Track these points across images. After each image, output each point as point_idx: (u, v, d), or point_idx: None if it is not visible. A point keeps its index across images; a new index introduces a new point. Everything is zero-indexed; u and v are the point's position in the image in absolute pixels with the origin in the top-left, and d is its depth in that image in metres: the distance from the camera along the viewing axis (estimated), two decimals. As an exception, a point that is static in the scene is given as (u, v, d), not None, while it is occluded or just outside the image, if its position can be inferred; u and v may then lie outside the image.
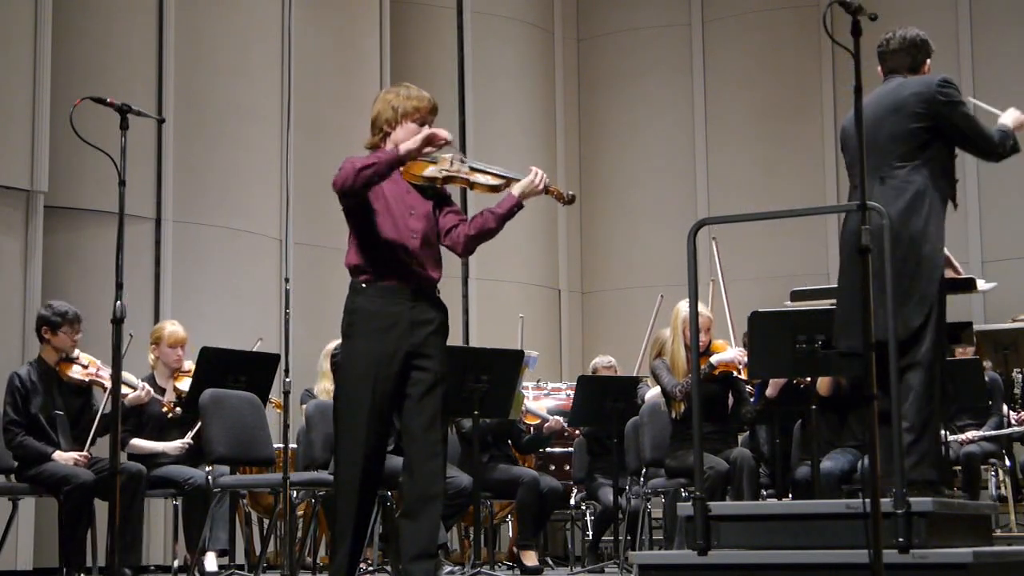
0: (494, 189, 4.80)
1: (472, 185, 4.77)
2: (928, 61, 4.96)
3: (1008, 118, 4.94)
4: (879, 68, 5.02)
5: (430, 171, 4.72)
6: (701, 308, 6.73)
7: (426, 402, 4.60)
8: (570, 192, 4.88)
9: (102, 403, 6.47)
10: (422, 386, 4.61)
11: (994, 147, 4.86)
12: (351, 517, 4.61)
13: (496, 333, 10.34)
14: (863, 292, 3.72)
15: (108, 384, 6.29)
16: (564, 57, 12.49)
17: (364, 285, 4.67)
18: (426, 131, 4.63)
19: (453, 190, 4.97)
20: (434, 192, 4.78)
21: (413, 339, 4.62)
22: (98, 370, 6.47)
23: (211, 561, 6.89)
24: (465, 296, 11.27)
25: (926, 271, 4.69)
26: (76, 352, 6.49)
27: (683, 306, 6.70)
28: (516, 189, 4.72)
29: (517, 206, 4.72)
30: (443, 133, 4.63)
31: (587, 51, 12.66)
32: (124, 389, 6.37)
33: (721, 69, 12.10)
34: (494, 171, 4.81)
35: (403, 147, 4.60)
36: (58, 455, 6.27)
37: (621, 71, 12.44)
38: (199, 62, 9.21)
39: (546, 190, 4.78)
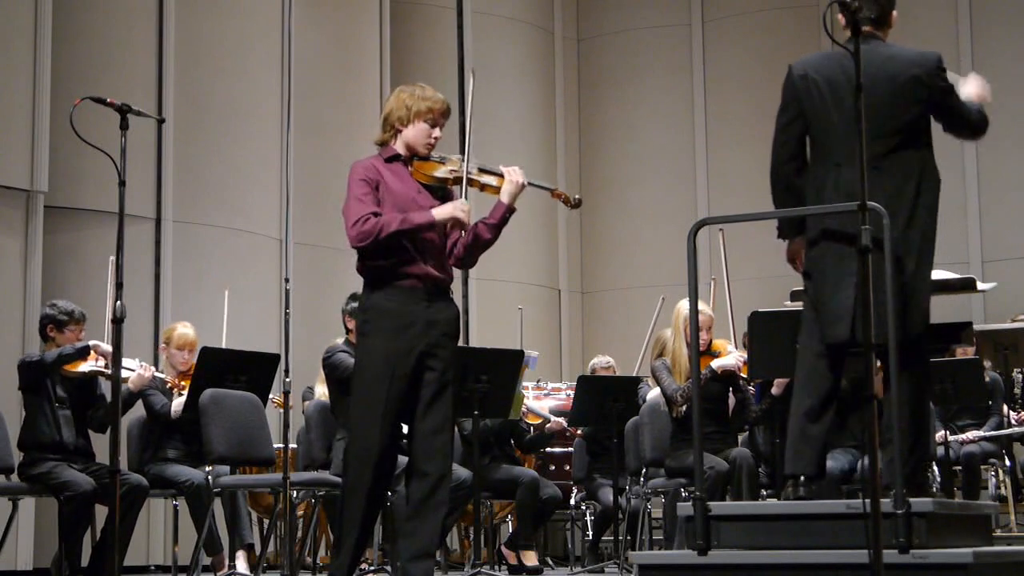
0: (499, 190, 4.83)
1: (483, 187, 4.81)
2: (895, 12, 4.66)
3: (971, 90, 4.65)
4: (840, 17, 4.75)
5: (440, 172, 4.78)
6: (702, 307, 6.73)
7: (437, 405, 4.63)
8: (576, 196, 4.93)
9: (111, 391, 6.46)
10: (433, 387, 4.64)
11: (976, 126, 4.63)
12: (358, 517, 4.61)
13: (496, 333, 10.34)
14: (863, 291, 3.71)
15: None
16: (564, 57, 12.49)
17: (380, 284, 4.68)
18: (459, 207, 4.64)
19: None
20: (443, 193, 4.80)
21: (428, 339, 4.64)
22: (96, 359, 6.46)
23: (242, 562, 6.87)
24: (465, 296, 11.26)
25: (930, 265, 4.57)
26: None
27: (684, 305, 6.70)
28: (504, 196, 4.75)
29: (508, 211, 4.77)
30: (468, 218, 4.67)
31: (587, 51, 12.66)
32: (124, 373, 6.38)
33: (721, 69, 12.10)
34: (495, 170, 4.85)
35: (437, 214, 4.63)
36: (93, 341, 6.33)
37: (621, 71, 12.45)
38: (199, 62, 9.21)
39: (552, 193, 4.87)
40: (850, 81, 4.47)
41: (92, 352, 6.32)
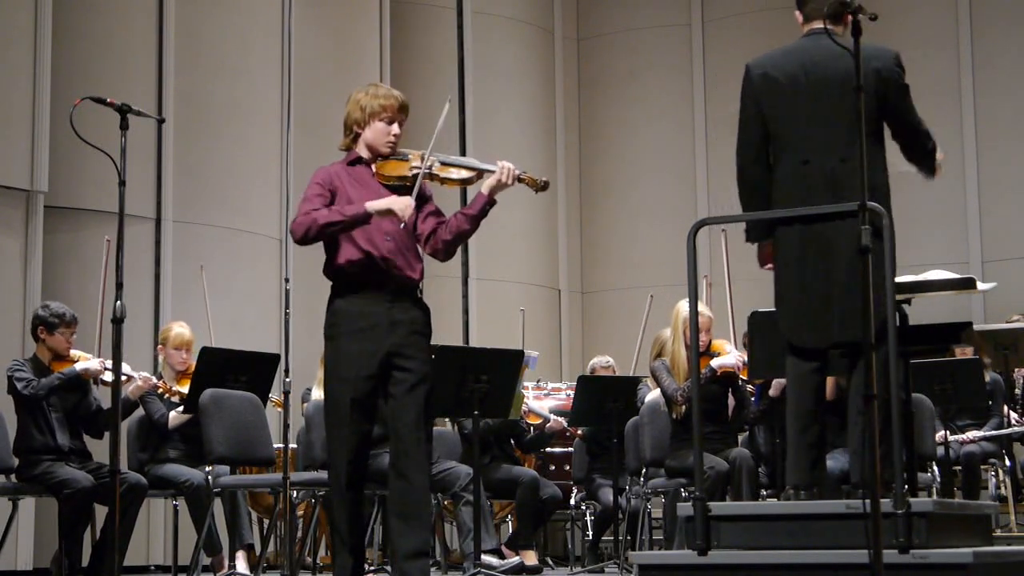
0: (466, 182, 4.78)
1: (443, 181, 4.73)
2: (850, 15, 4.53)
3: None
4: (797, 12, 4.65)
5: (403, 170, 4.70)
6: (701, 308, 6.73)
7: (409, 402, 4.59)
8: (543, 179, 4.78)
9: (111, 391, 6.48)
10: (404, 386, 4.60)
11: (927, 147, 4.47)
12: (344, 517, 4.63)
13: (496, 333, 10.34)
14: (863, 291, 3.71)
15: (105, 376, 6.31)
16: (564, 57, 12.49)
17: (344, 288, 4.67)
18: (399, 200, 4.55)
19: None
20: (405, 192, 4.71)
21: (393, 339, 4.60)
22: (87, 360, 6.46)
23: (242, 562, 6.86)
24: (465, 296, 11.27)
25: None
26: (71, 351, 6.49)
27: (683, 306, 6.70)
28: (485, 187, 4.67)
29: (488, 204, 4.67)
30: (405, 214, 4.54)
31: (587, 51, 12.66)
32: (110, 376, 6.38)
33: (721, 69, 12.09)
34: (466, 164, 4.78)
35: (371, 206, 4.54)
36: (80, 365, 6.33)
37: (621, 71, 12.45)
38: (199, 62, 9.21)
39: (518, 180, 4.71)
40: (809, 77, 4.46)
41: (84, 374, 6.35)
